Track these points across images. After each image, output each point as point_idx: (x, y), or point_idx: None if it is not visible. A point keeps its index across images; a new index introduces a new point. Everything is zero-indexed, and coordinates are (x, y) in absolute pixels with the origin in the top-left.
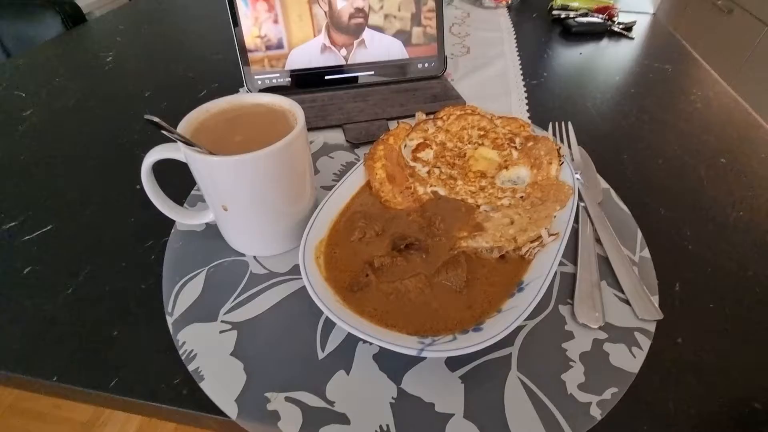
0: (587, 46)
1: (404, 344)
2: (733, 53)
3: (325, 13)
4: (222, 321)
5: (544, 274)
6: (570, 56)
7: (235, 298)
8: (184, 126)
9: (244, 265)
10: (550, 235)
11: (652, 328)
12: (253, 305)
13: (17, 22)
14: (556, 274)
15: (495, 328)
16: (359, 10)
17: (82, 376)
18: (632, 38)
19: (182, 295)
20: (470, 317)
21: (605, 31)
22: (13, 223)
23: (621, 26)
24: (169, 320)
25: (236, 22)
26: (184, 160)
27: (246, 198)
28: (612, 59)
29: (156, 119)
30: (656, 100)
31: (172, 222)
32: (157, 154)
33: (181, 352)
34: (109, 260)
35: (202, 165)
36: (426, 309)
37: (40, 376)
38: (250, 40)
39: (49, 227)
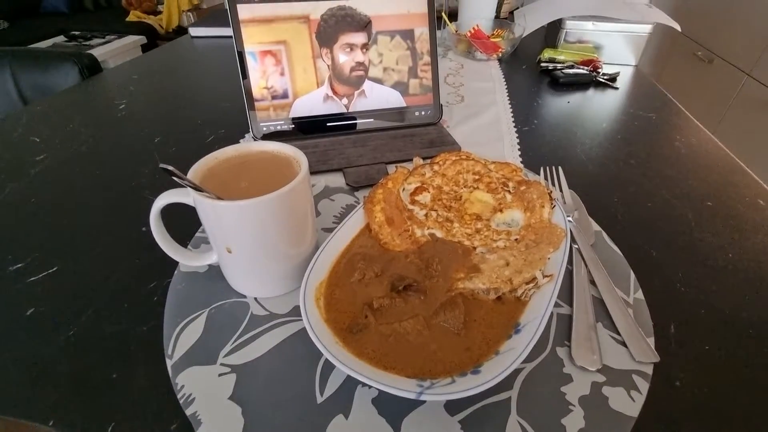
0: (575, 95)
1: (403, 387)
2: (716, 102)
3: (328, 66)
4: (221, 364)
5: (540, 316)
6: (558, 104)
7: (235, 340)
8: (194, 172)
9: (245, 307)
10: (544, 276)
11: (649, 370)
12: (253, 347)
13: (36, 72)
14: (552, 315)
15: (493, 371)
16: (360, 63)
17: (79, 421)
18: (617, 88)
19: (183, 337)
20: (468, 359)
21: (591, 81)
22: (20, 265)
23: (605, 77)
24: (169, 363)
25: (245, 75)
26: (192, 204)
27: (250, 240)
28: (598, 107)
29: (170, 168)
30: (642, 147)
31: (175, 263)
32: (166, 198)
33: (179, 396)
34: (112, 301)
35: (209, 209)
36: (424, 351)
37: (37, 420)
38: (257, 91)
39: (54, 268)
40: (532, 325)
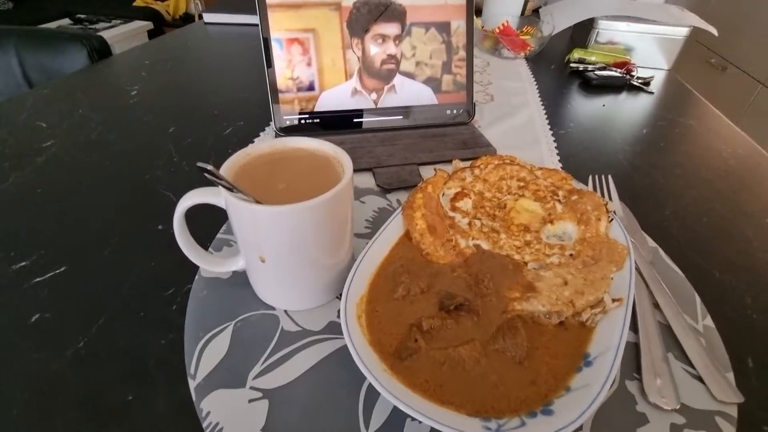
0: (608, 98)
1: (468, 430)
2: (728, 110)
3: (359, 58)
4: (251, 387)
5: (613, 347)
6: (593, 107)
7: (265, 360)
8: (226, 170)
9: (275, 321)
10: (613, 300)
11: (734, 412)
12: (285, 369)
13: (42, 53)
14: None
15: (568, 412)
16: (392, 56)
17: None
18: (652, 92)
19: (206, 354)
20: (535, 395)
21: (624, 84)
22: (24, 263)
23: (640, 81)
24: (192, 384)
25: (270, 64)
26: (222, 206)
27: (287, 249)
28: (635, 112)
29: (209, 167)
30: (686, 156)
31: (195, 267)
32: (193, 198)
33: (204, 425)
34: (126, 309)
35: (246, 213)
36: (484, 383)
37: None
38: (281, 81)
39: (62, 269)
40: (606, 358)
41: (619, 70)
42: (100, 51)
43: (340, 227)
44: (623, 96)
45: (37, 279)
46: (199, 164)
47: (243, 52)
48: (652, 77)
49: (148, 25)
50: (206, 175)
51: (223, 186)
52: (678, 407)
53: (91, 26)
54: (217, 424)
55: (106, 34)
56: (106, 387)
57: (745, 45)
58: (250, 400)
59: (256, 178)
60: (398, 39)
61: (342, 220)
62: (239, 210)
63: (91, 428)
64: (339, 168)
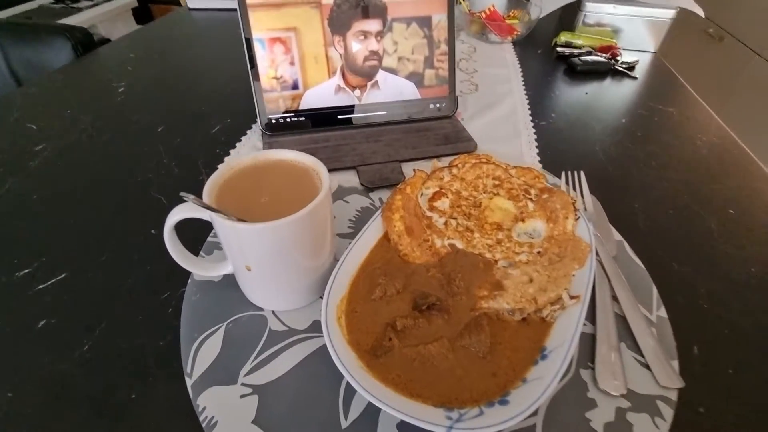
0: (592, 85)
1: (432, 420)
2: (723, 81)
3: (341, 55)
4: (242, 384)
5: (567, 341)
6: (576, 95)
7: (254, 358)
8: (211, 186)
9: (263, 321)
10: (571, 297)
11: (674, 396)
12: (273, 366)
13: (26, 47)
14: None
15: (522, 402)
16: (374, 53)
17: None
18: (635, 78)
19: (201, 354)
20: (495, 386)
21: (609, 70)
22: (27, 270)
23: (624, 65)
24: (189, 382)
25: (253, 64)
26: (208, 219)
27: (271, 259)
28: (617, 100)
29: (191, 198)
30: (663, 145)
31: (188, 271)
32: (180, 214)
33: (201, 419)
34: (125, 313)
35: (230, 231)
36: (450, 377)
37: None
38: (265, 81)
39: (63, 275)
40: (559, 352)
41: (604, 55)
42: (84, 43)
43: (319, 236)
44: (607, 82)
45: (41, 286)
46: (182, 194)
47: (227, 41)
48: (637, 61)
49: (132, 2)
50: (188, 201)
51: (207, 209)
52: (625, 393)
53: (73, 5)
54: (212, 418)
55: (89, 13)
56: (111, 386)
57: (743, 14)
58: (242, 396)
59: (240, 192)
60: (380, 35)
61: (321, 229)
62: (223, 227)
63: (99, 425)
64: (317, 179)
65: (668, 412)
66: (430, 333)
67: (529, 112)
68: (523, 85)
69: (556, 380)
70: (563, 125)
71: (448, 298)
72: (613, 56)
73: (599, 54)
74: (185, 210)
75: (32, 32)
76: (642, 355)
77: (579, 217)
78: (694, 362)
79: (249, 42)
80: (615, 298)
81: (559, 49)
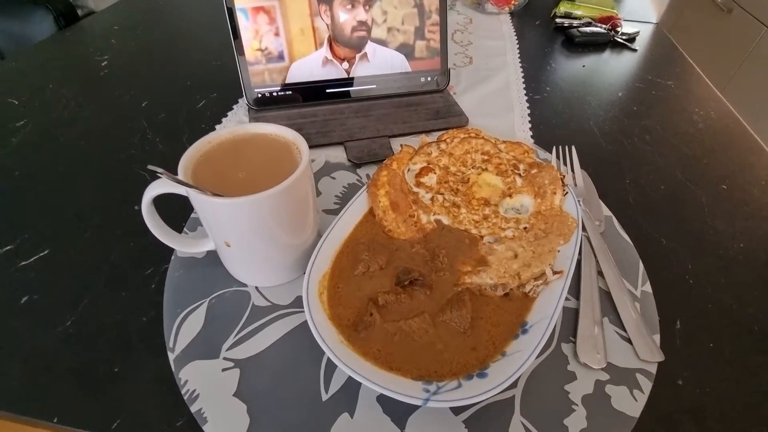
0: (590, 57)
1: (410, 393)
2: (732, 53)
3: (328, 26)
4: (224, 358)
5: (548, 316)
6: (573, 68)
7: (237, 333)
8: (187, 160)
9: (246, 297)
10: (554, 273)
11: (653, 369)
12: (256, 341)
13: (7, 20)
14: None
15: (500, 375)
16: (362, 23)
17: (84, 417)
18: (635, 50)
19: (183, 329)
20: (475, 360)
21: (608, 41)
22: (9, 247)
23: (624, 37)
24: (171, 357)
25: (236, 35)
26: (186, 195)
27: (250, 235)
28: (615, 73)
29: (159, 170)
30: (659, 119)
31: (172, 248)
32: (157, 188)
33: (183, 392)
34: (108, 289)
35: (206, 205)
36: (430, 351)
37: (41, 417)
38: (250, 53)
39: (45, 252)
40: (540, 326)
41: (604, 26)
42: (66, 15)
43: (300, 211)
44: (606, 54)
45: (24, 262)
46: (150, 167)
47: (214, 13)
48: (638, 33)
49: None
50: (159, 175)
51: (181, 184)
52: (605, 366)
53: None
54: (194, 391)
55: None
56: (94, 361)
57: None
58: (224, 369)
59: (218, 167)
60: (368, 4)
61: (302, 204)
62: (199, 202)
63: (83, 397)
64: (297, 154)
65: (647, 385)
66: (412, 308)
67: (524, 86)
68: (519, 58)
69: (535, 353)
70: (558, 99)
71: (432, 273)
72: (614, 27)
73: (599, 25)
74: (162, 185)
75: (12, 4)
76: (624, 330)
77: (567, 193)
78: (676, 336)
79: (231, 12)
80: (601, 273)
81: (558, 20)
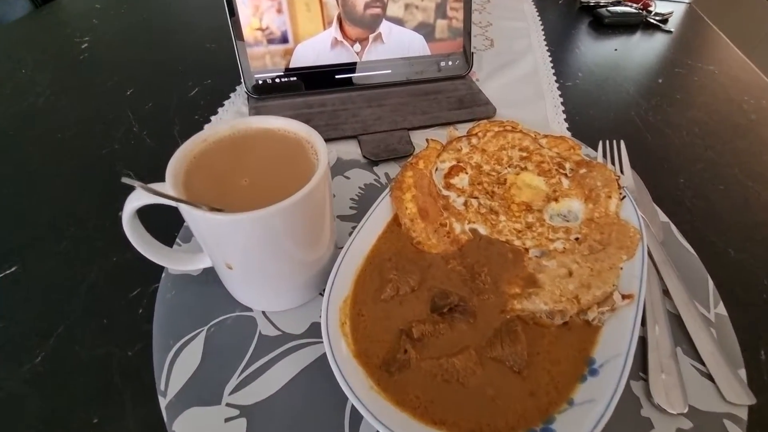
0: (621, 40)
1: None
2: (747, 37)
3: (337, 2)
4: (227, 404)
5: (621, 353)
6: (604, 52)
7: (242, 371)
8: (176, 163)
9: (252, 324)
10: (623, 297)
11: (743, 414)
12: (265, 381)
13: None
14: None
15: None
16: None
17: None
18: (670, 31)
19: (177, 366)
20: (535, 409)
21: (640, 22)
22: None
23: (657, 18)
24: (162, 402)
25: (233, 12)
26: (175, 206)
27: (257, 255)
28: (651, 57)
29: (137, 183)
30: (706, 110)
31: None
32: (139, 200)
33: None
34: (87, 316)
35: (202, 224)
36: (480, 397)
37: None
38: (249, 33)
39: (14, 268)
40: (613, 366)
41: (634, 5)
42: None
43: (316, 224)
44: (638, 36)
45: None
46: (124, 179)
47: None
48: (671, 13)
49: None
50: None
51: (168, 199)
52: (685, 411)
53: None
54: None
55: None
56: (67, 409)
57: None
58: (227, 419)
59: (215, 171)
60: None
61: (318, 216)
62: (193, 218)
63: None
64: (312, 154)
65: None
66: (453, 342)
67: (553, 71)
68: (545, 40)
69: (613, 404)
70: (592, 87)
71: (473, 297)
72: (645, 7)
73: (629, 4)
74: (147, 195)
75: None
76: (702, 363)
77: (624, 197)
78: (763, 371)
79: None
80: (666, 292)
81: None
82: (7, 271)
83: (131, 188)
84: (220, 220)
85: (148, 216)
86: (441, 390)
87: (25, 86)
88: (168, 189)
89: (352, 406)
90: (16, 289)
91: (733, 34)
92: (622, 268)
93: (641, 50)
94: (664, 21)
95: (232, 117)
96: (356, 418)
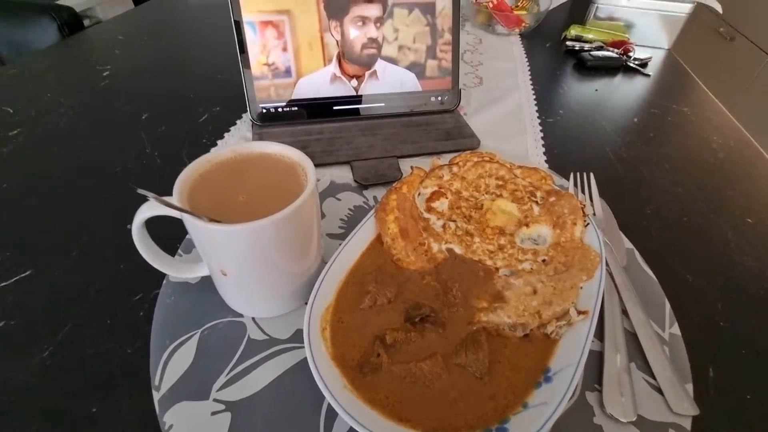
0: (602, 81)
1: None
2: (733, 82)
3: (337, 42)
4: (215, 400)
5: (573, 363)
6: (585, 92)
7: (230, 371)
8: (183, 181)
9: (242, 329)
10: (579, 313)
11: (687, 424)
12: (250, 380)
13: (11, 27)
14: None
15: (522, 431)
16: (373, 40)
17: None
18: (648, 75)
19: (171, 364)
20: (493, 411)
21: (621, 66)
22: None
23: (637, 62)
24: (156, 396)
25: (243, 49)
26: (180, 217)
27: (249, 264)
28: (629, 98)
29: (149, 194)
30: (677, 148)
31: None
32: (149, 211)
33: None
34: (93, 316)
35: (202, 233)
36: (443, 399)
37: None
38: (256, 67)
39: (28, 272)
40: (565, 375)
41: (616, 50)
42: (71, 24)
43: (304, 238)
44: (618, 79)
45: (2, 284)
46: (140, 190)
47: (223, 27)
48: (650, 58)
49: None
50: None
51: (174, 209)
52: (634, 419)
53: None
54: None
55: None
56: (70, 398)
57: (756, 15)
58: (213, 413)
59: (216, 189)
60: (380, 21)
61: (306, 230)
62: (194, 228)
63: None
64: (303, 176)
65: None
66: (423, 348)
67: (536, 108)
68: (530, 79)
69: (562, 407)
70: (572, 123)
71: (444, 309)
72: (626, 52)
73: (611, 49)
74: (154, 207)
75: (17, 10)
76: (653, 377)
77: (588, 223)
78: (710, 386)
79: (239, 25)
80: (625, 311)
81: (568, 43)
82: (22, 275)
83: (140, 203)
84: (217, 230)
85: (155, 227)
86: (409, 391)
87: (50, 108)
88: (174, 201)
89: (328, 404)
90: (28, 291)
91: (707, 80)
92: (582, 288)
93: (620, 92)
94: (644, 65)
95: (237, 141)
96: (331, 416)
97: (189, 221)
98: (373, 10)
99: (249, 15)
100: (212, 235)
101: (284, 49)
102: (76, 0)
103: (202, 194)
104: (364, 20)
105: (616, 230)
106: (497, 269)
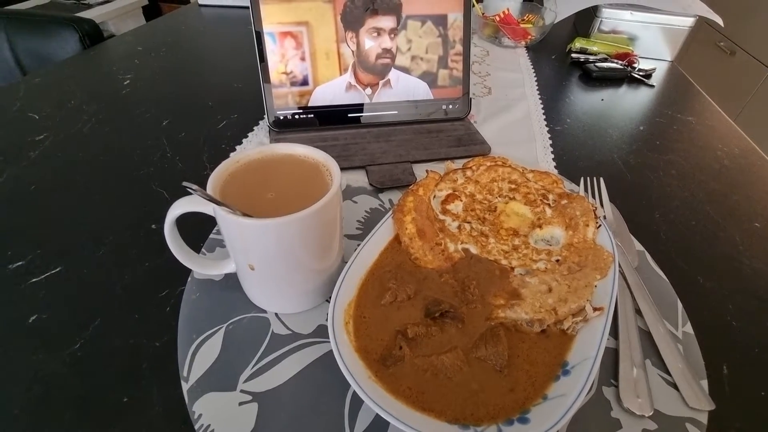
0: (607, 92)
1: None
2: (734, 96)
3: (353, 52)
4: (242, 390)
5: (590, 357)
6: (592, 102)
7: (255, 363)
8: (215, 179)
9: (265, 324)
10: (594, 309)
11: (704, 418)
12: (275, 372)
13: (34, 38)
14: None
15: (543, 421)
16: (387, 50)
17: None
18: (652, 86)
19: (199, 357)
20: (513, 403)
21: (625, 77)
22: (21, 263)
23: (641, 73)
24: (185, 387)
25: (262, 58)
26: (211, 214)
27: (276, 258)
28: (634, 107)
29: (193, 187)
30: (683, 155)
31: (188, 268)
32: (183, 207)
33: (197, 427)
34: (121, 311)
35: (234, 226)
36: (465, 390)
37: None
38: (275, 76)
39: (58, 269)
40: (582, 368)
41: (620, 62)
42: (92, 35)
43: (328, 236)
44: (623, 89)
45: (34, 279)
46: (185, 184)
47: (238, 37)
48: (654, 69)
49: (142, 1)
50: (192, 192)
51: (211, 201)
52: (651, 413)
53: (84, 1)
54: (208, 426)
55: (100, 10)
56: (102, 389)
57: (755, 29)
58: (240, 403)
59: (245, 187)
60: (394, 32)
61: (330, 228)
62: (227, 222)
63: (87, 430)
64: (327, 176)
65: None
66: (443, 343)
67: (544, 116)
68: (537, 89)
69: (581, 398)
70: (579, 131)
71: (462, 306)
72: (630, 63)
73: (615, 60)
74: (188, 203)
75: (40, 23)
76: (668, 374)
77: (600, 225)
78: (724, 383)
79: (259, 35)
80: (638, 311)
81: (573, 55)
82: (53, 271)
83: (163, 203)
84: (249, 223)
85: (180, 229)
86: (431, 383)
87: (74, 115)
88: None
89: (352, 395)
90: (59, 287)
91: (710, 92)
92: (596, 286)
93: (626, 101)
94: (648, 76)
95: (255, 146)
96: (355, 406)
97: (222, 215)
98: (388, 22)
99: (269, 26)
100: (244, 228)
101: (302, 59)
102: (89, 15)
103: (233, 191)
104: (378, 31)
105: (626, 233)
106: (512, 268)
